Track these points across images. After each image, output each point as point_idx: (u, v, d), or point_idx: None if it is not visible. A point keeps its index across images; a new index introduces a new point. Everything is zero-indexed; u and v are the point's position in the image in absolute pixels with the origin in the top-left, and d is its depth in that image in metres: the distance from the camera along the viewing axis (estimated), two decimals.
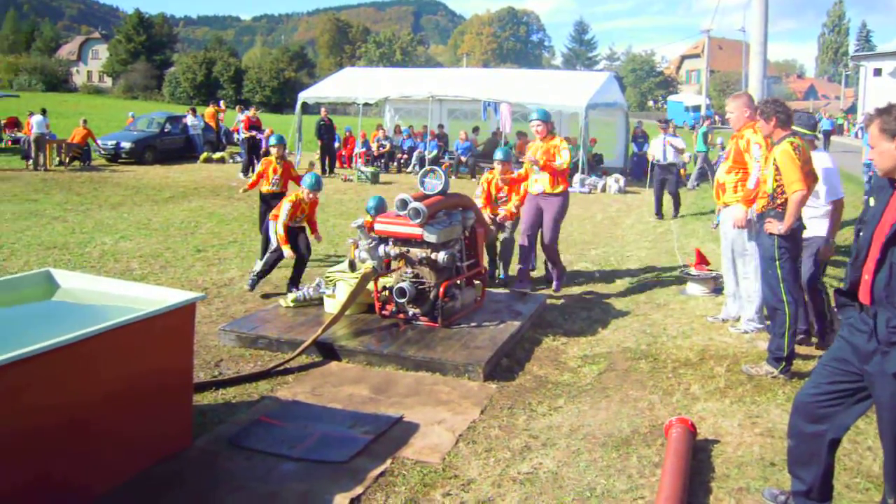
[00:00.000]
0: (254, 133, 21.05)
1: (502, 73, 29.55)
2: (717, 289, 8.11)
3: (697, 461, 4.34)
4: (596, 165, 21.65)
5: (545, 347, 6.66)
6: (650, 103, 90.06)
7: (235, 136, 27.21)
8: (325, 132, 21.67)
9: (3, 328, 4.35)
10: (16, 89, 63.56)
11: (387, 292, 6.79)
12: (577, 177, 19.64)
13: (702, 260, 8.50)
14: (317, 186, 8.13)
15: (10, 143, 26.04)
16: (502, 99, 20.88)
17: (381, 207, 7.40)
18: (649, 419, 5.04)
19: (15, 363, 3.28)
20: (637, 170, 21.94)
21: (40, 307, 4.76)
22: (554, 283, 8.73)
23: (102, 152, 23.02)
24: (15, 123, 26.83)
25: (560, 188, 8.35)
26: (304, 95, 23.99)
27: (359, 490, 4.06)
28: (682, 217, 14.92)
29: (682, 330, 7.01)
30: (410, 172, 22.22)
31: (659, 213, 15.02)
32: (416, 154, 22.95)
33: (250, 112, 23.78)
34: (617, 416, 5.12)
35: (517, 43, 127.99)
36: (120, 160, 23.10)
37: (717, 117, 49.20)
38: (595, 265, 10.21)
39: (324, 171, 21.40)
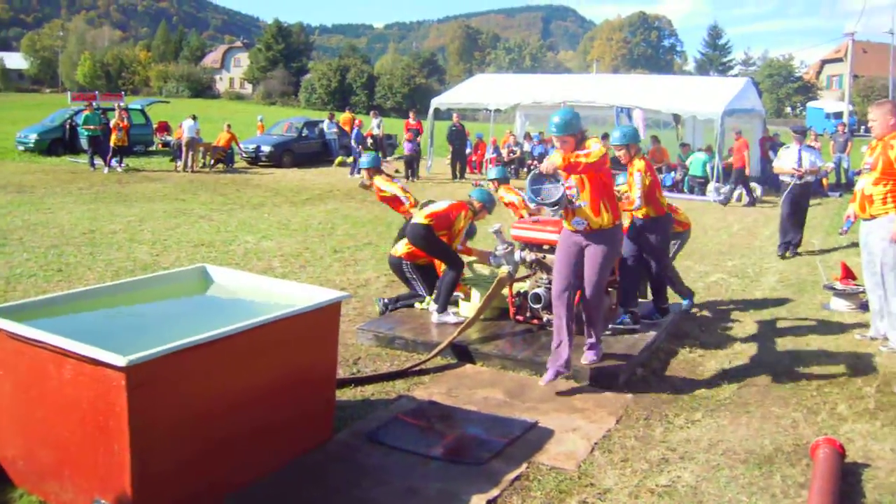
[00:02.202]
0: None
1: (634, 79, 29.08)
2: (865, 304, 7.73)
3: (847, 485, 4.17)
4: (732, 174, 20.95)
5: (681, 359, 6.53)
6: (787, 110, 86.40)
7: (369, 140, 27.89)
8: (457, 137, 21.94)
9: (165, 318, 4.66)
10: (165, 95, 67.27)
11: (521, 297, 6.83)
12: (712, 185, 19.11)
13: (847, 274, 8.12)
14: (490, 202, 7.41)
15: (161, 145, 27.64)
16: (635, 105, 20.55)
17: (504, 178, 8.54)
18: (793, 438, 4.87)
19: (178, 353, 3.52)
20: (776, 179, 21.11)
21: (197, 300, 5.07)
22: (585, 352, 5.87)
23: (244, 155, 24.16)
24: (166, 127, 28.45)
25: (609, 219, 5.47)
26: (437, 101, 24.35)
27: (495, 492, 4.11)
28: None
29: (827, 346, 6.72)
30: None
31: (788, 246, 11.32)
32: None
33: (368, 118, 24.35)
34: (758, 432, 4.97)
35: (648, 48, 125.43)
36: (260, 163, 24.17)
37: (860, 125, 46.63)
38: (732, 276, 9.91)
39: (455, 175, 21.70)
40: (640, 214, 6.85)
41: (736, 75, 73.55)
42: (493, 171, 8.75)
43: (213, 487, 3.87)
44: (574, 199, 5.43)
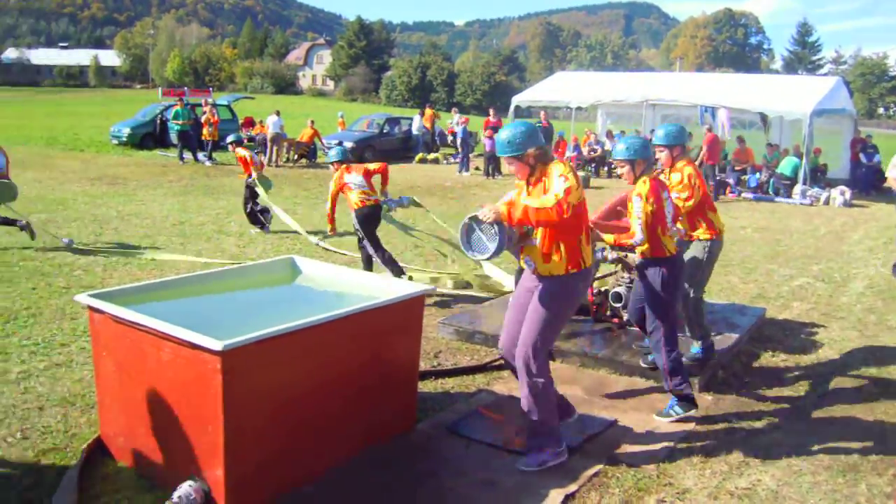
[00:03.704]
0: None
1: (719, 78, 28.46)
2: None
3: None
4: (819, 176, 20.39)
5: (763, 363, 6.42)
6: (880, 111, 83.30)
7: (449, 137, 28.10)
8: (544, 136, 21.92)
9: (256, 306, 4.83)
10: (250, 91, 68.92)
11: (602, 296, 6.82)
12: (799, 188, 18.62)
13: None
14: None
15: (246, 140, 28.34)
16: (720, 104, 20.15)
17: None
18: (879, 447, 4.77)
19: (270, 339, 3.66)
20: (864, 182, 20.47)
21: (286, 290, 5.24)
22: (528, 452, 4.44)
23: (326, 150, 24.58)
24: (251, 123, 29.16)
25: (560, 265, 4.27)
26: (518, 99, 24.32)
27: (573, 487, 4.15)
28: None
29: None
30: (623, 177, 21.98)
31: None
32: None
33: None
34: (843, 439, 4.87)
35: (734, 46, 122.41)
36: None
37: None
38: (818, 280, 9.66)
39: None
40: (639, 251, 5.22)
41: (826, 74, 71.21)
42: (332, 153, 8.50)
43: (298, 471, 4.01)
44: (530, 233, 4.35)
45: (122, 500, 3.87)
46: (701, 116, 21.42)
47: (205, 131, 22.26)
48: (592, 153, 23.21)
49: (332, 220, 8.64)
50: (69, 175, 18.31)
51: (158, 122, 26.32)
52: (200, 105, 25.02)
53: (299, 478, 4.00)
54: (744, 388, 5.81)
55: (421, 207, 7.57)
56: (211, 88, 42.94)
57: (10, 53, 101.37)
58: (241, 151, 11.75)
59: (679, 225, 5.53)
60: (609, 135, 24.66)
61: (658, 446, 4.70)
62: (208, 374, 3.53)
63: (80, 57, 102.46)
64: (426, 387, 5.53)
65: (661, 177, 5.57)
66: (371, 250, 8.19)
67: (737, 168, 20.48)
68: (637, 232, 4.99)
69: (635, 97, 21.91)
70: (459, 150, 23.15)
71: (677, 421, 5.07)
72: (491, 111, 24.29)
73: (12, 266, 8.91)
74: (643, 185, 5.01)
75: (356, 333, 4.16)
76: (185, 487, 3.70)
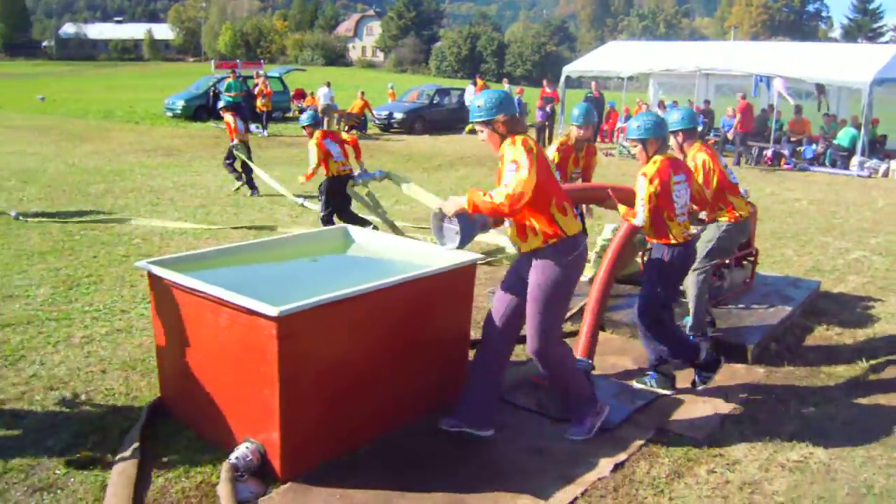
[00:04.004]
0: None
1: (774, 46, 27.83)
2: None
3: None
4: (878, 147, 19.85)
5: (817, 336, 6.34)
6: None
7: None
8: (595, 106, 21.64)
9: (310, 274, 4.89)
10: (301, 63, 69.20)
11: None
12: (857, 159, 18.16)
13: None
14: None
15: (297, 112, 28.56)
16: (775, 73, 19.68)
17: (589, 116, 6.86)
18: None
19: (324, 306, 3.74)
20: None
21: (339, 258, 5.31)
22: (573, 424, 4.44)
23: (377, 122, 24.71)
24: (301, 95, 29.36)
25: (537, 239, 4.11)
26: (568, 69, 24.06)
27: (623, 456, 4.17)
28: None
29: None
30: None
31: None
32: (684, 106, 22.34)
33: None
34: None
35: (790, 14, 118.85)
36: (392, 129, 24.67)
37: None
38: (875, 254, 9.46)
39: None
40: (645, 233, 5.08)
41: (887, 42, 68.93)
42: (303, 117, 9.16)
43: (351, 436, 4.10)
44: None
45: (182, 461, 4.00)
46: (755, 86, 20.98)
47: (258, 102, 22.55)
48: None
49: (309, 176, 8.92)
50: (126, 147, 18.69)
51: (211, 94, 26.63)
52: (252, 77, 25.25)
53: (352, 442, 4.08)
54: (797, 360, 5.74)
55: (397, 184, 7.41)
56: (262, 61, 43.14)
57: (68, 28, 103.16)
58: (228, 117, 12.56)
59: (701, 214, 5.41)
60: (661, 105, 24.24)
61: (708, 417, 4.70)
62: (264, 339, 3.62)
63: (134, 31, 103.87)
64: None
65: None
66: (321, 207, 8.79)
67: (792, 139, 20.03)
68: (638, 212, 4.81)
69: (688, 66, 21.51)
70: None
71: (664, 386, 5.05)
72: (545, 82, 24.07)
73: (73, 235, 9.17)
74: (651, 166, 4.78)
75: (408, 301, 4.21)
76: (243, 449, 3.81)
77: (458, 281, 4.56)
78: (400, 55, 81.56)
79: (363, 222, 8.29)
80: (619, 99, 24.47)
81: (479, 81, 28.40)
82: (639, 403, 4.78)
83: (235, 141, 12.37)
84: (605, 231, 7.49)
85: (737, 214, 5.71)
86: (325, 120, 22.37)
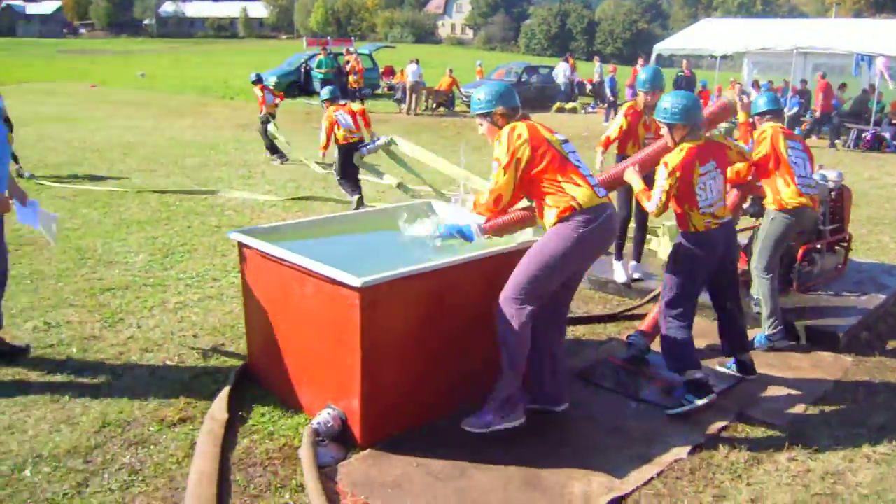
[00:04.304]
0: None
1: (878, 24, 26.52)
2: None
3: None
4: None
5: None
6: None
7: (588, 87, 27.59)
8: (685, 86, 21.13)
9: (393, 247, 4.94)
10: (390, 41, 69.64)
11: (741, 252, 6.63)
12: None
13: None
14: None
15: (386, 89, 28.82)
16: (878, 52, 18.80)
17: (657, 81, 6.41)
18: None
19: (405, 278, 3.81)
20: None
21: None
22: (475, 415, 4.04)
23: (464, 99, 24.68)
24: (391, 72, 29.58)
25: (550, 219, 3.98)
26: (659, 47, 23.57)
27: (700, 439, 4.13)
28: None
29: None
30: None
31: None
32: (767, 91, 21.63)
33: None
34: None
35: None
36: None
37: None
38: None
39: None
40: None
41: None
42: (323, 92, 10.20)
43: (426, 408, 4.16)
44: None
45: (267, 424, 4.16)
46: (856, 65, 20.10)
47: (350, 79, 22.85)
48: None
49: (324, 148, 9.82)
50: (220, 122, 19.25)
51: (303, 70, 27.11)
52: (342, 54, 25.58)
53: (429, 414, 4.15)
54: (888, 351, 5.55)
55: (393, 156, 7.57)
56: (353, 38, 43.59)
57: (168, 7, 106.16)
58: (257, 91, 13.77)
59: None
60: (755, 85, 23.49)
61: (792, 405, 4.60)
62: (348, 308, 3.71)
63: (230, 9, 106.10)
64: None
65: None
66: (339, 177, 9.57)
67: (894, 121, 19.15)
68: (653, 197, 4.48)
69: (785, 45, 20.74)
70: (610, 99, 22.62)
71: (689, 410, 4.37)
72: (640, 60, 23.61)
73: (170, 206, 9.54)
74: (676, 155, 4.46)
75: (487, 277, 4.23)
76: (324, 415, 3.93)
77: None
78: (489, 32, 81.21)
79: (358, 189, 9.48)
80: (712, 78, 23.80)
81: (571, 61, 28.07)
82: (721, 387, 4.71)
83: (264, 112, 13.50)
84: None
85: (782, 203, 5.33)
86: (413, 97, 22.53)
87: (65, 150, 14.03)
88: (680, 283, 4.62)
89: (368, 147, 8.08)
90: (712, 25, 26.49)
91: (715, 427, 4.27)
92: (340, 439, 3.91)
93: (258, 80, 14.10)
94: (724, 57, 23.08)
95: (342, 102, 10.07)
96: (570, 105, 25.15)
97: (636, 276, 6.62)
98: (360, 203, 9.28)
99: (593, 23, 75.15)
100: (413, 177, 6.91)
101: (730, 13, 76.15)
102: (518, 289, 3.89)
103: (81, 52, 58.68)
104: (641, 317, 5.91)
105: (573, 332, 5.66)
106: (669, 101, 4.54)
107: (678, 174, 4.43)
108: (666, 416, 4.37)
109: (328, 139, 9.60)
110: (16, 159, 10.46)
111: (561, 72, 26.05)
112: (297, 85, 26.85)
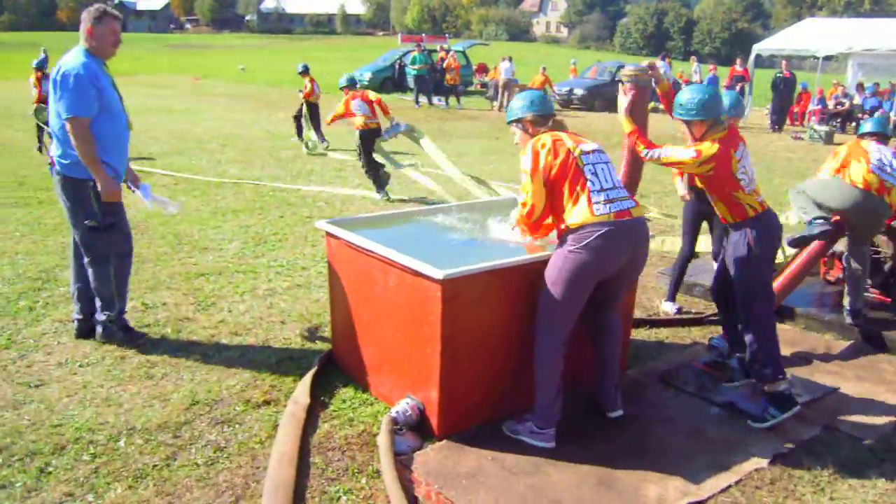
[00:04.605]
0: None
1: None
2: None
3: None
4: None
5: None
6: None
7: (683, 87, 27.02)
8: (783, 87, 20.48)
9: (480, 240, 4.96)
10: (485, 38, 69.70)
11: (834, 257, 6.43)
12: None
13: None
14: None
15: (479, 86, 28.91)
16: None
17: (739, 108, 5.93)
18: None
19: (486, 272, 3.85)
20: None
21: (507, 227, 5.36)
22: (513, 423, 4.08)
23: (557, 97, 24.57)
24: (484, 69, 29.66)
25: (558, 226, 4.00)
26: (759, 47, 22.92)
27: (783, 450, 4.02)
28: None
29: None
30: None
31: None
32: (877, 114, 20.75)
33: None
34: None
35: None
36: (572, 106, 24.46)
37: None
38: None
39: (773, 126, 20.43)
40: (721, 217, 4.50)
41: None
42: (341, 80, 10.93)
43: (501, 403, 4.16)
44: None
45: (347, 410, 4.26)
46: None
47: (447, 76, 23.09)
48: (839, 107, 21.41)
49: (328, 124, 11.27)
50: None
51: (397, 66, 27.43)
52: (436, 51, 25.77)
53: (506, 408, 4.15)
54: None
55: (416, 141, 9.38)
56: (447, 35, 43.89)
57: (269, 3, 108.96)
58: (307, 82, 14.77)
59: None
60: (859, 88, 22.63)
61: (882, 418, 4.42)
62: (429, 300, 3.77)
63: (328, 6, 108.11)
64: (639, 335, 5.53)
65: None
66: (363, 163, 10.15)
67: None
68: (659, 152, 4.45)
69: (890, 45, 19.88)
70: None
71: (773, 427, 4.20)
72: (738, 60, 23.02)
73: (264, 196, 9.82)
74: (709, 148, 4.24)
75: None
76: (403, 404, 4.00)
77: None
78: (584, 31, 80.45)
79: (381, 181, 10.07)
80: (813, 80, 23.00)
81: (667, 59, 27.52)
82: (807, 398, 4.58)
83: (312, 99, 14.71)
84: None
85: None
86: (506, 94, 22.52)
87: (167, 140, 14.61)
88: (765, 279, 4.41)
89: (389, 132, 9.40)
90: (815, 25, 25.57)
91: (799, 438, 4.14)
92: (418, 429, 3.97)
93: (305, 72, 15.00)
94: (827, 58, 22.28)
95: (358, 90, 10.66)
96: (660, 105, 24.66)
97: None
98: (385, 195, 9.93)
99: (691, 21, 73.52)
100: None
101: (836, 13, 73.24)
102: (540, 330, 3.90)
103: (188, 47, 60.77)
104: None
105: (656, 334, 5.60)
106: (685, 96, 4.36)
107: (712, 164, 4.26)
108: (748, 423, 4.27)
109: (335, 119, 10.67)
110: None
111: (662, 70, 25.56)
112: (390, 80, 27.19)
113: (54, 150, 4.79)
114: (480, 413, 4.08)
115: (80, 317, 5.13)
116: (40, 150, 12.61)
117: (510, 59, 23.61)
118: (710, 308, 6.10)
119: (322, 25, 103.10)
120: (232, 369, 4.73)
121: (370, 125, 10.13)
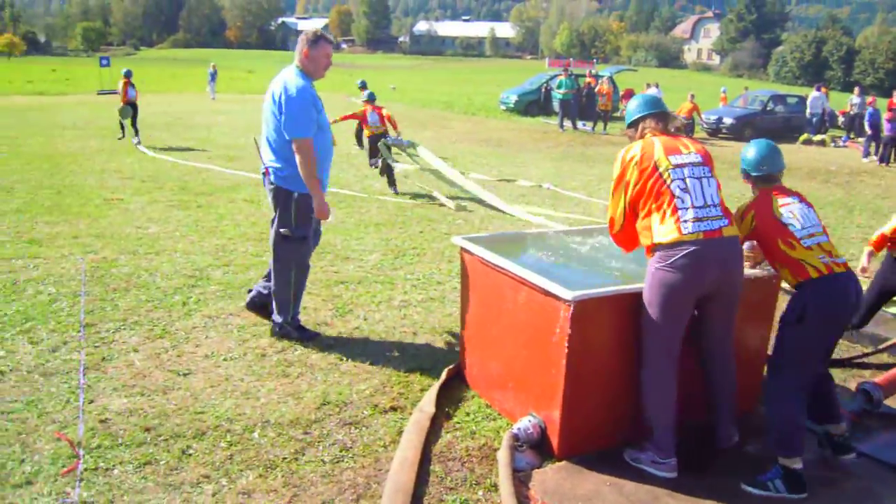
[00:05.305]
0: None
1: None
2: None
3: None
4: None
5: None
6: None
7: (840, 118, 25.87)
8: None
9: (608, 264, 4.92)
10: (634, 64, 68.95)
11: None
12: None
13: None
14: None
15: (624, 112, 28.58)
16: None
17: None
18: None
19: (612, 296, 3.87)
20: None
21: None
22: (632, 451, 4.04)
23: (704, 126, 24.01)
24: (630, 95, 29.28)
25: (645, 245, 3.93)
26: None
27: None
28: None
29: None
30: None
31: None
32: None
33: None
34: None
35: None
36: (720, 135, 23.80)
37: None
38: None
39: None
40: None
41: None
42: (364, 94, 13.63)
43: (623, 428, 4.12)
44: None
45: (470, 423, 4.34)
46: None
47: (598, 101, 23.09)
48: None
49: (337, 121, 12.95)
50: (460, 135, 20.05)
51: (543, 90, 27.54)
52: (584, 76, 25.71)
53: (628, 434, 4.10)
54: None
55: (411, 155, 12.54)
56: (595, 60, 43.72)
57: (421, 26, 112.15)
58: (368, 108, 14.40)
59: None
60: None
61: None
62: (557, 320, 3.80)
63: (479, 29, 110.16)
64: None
65: None
66: (369, 158, 13.25)
67: None
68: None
69: None
70: (868, 132, 20.83)
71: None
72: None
73: (406, 211, 10.11)
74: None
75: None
76: (525, 422, 4.04)
77: (759, 293, 4.39)
78: (737, 59, 78.04)
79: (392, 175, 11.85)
80: None
81: (823, 89, 26.38)
82: None
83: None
84: None
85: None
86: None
87: None
88: (806, 346, 3.88)
89: (392, 140, 11.93)
90: None
91: None
92: (538, 447, 3.99)
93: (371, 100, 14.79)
94: None
95: (375, 105, 13.16)
96: (818, 137, 23.60)
97: None
98: (394, 186, 11.77)
99: (853, 51, 69.86)
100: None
101: None
102: (644, 353, 3.89)
103: (343, 66, 63.18)
104: (870, 366, 5.53)
105: None
106: (752, 149, 4.18)
107: (752, 213, 4.01)
108: (879, 473, 4.04)
109: (344, 119, 13.97)
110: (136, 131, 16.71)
111: (816, 101, 24.50)
112: (536, 103, 27.32)
113: (269, 160, 5.19)
114: (601, 436, 4.07)
115: (263, 290, 5.73)
116: (121, 138, 16.96)
117: (657, 86, 23.28)
118: (852, 350, 5.82)
119: (472, 48, 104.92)
120: (363, 374, 4.91)
121: (377, 132, 12.90)
